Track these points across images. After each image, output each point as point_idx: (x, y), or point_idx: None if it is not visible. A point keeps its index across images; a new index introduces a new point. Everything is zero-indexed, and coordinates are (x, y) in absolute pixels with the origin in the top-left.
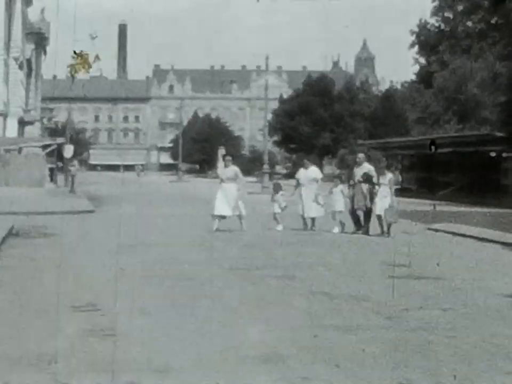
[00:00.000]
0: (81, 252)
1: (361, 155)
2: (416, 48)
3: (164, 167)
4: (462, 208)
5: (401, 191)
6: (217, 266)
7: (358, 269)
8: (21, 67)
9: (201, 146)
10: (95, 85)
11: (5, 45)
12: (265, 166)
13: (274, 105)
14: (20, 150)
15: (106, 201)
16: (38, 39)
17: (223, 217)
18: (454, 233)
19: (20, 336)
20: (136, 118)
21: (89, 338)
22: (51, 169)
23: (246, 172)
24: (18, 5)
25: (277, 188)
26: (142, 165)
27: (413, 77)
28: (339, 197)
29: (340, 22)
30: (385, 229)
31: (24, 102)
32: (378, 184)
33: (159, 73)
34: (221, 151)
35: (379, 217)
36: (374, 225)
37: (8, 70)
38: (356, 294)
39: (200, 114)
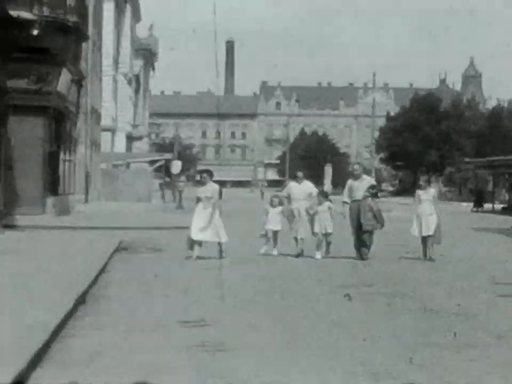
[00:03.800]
0: (197, 267)
1: (357, 166)
2: None
3: (271, 183)
4: None
5: (509, 210)
6: (324, 283)
7: (466, 286)
8: (129, 83)
9: (308, 163)
10: (202, 101)
11: (114, 61)
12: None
13: (381, 122)
14: (128, 165)
15: None
16: (147, 55)
17: (200, 243)
18: None
19: (128, 351)
20: (243, 134)
21: (199, 353)
22: (160, 185)
23: None
24: (126, 21)
25: (275, 202)
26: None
27: None
28: (327, 217)
29: (446, 39)
30: (431, 251)
31: (132, 118)
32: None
33: (266, 90)
34: (328, 168)
35: (425, 238)
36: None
37: (117, 86)
38: (464, 312)
39: (307, 131)
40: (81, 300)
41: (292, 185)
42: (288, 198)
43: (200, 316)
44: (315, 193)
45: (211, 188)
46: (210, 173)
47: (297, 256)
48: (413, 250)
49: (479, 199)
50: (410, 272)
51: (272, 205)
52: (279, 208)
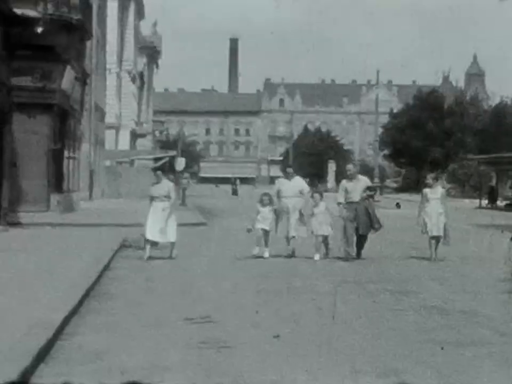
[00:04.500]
0: (193, 264)
1: (350, 166)
2: None
3: (274, 180)
4: None
5: None
6: (328, 280)
7: (471, 284)
8: (133, 80)
9: (312, 160)
10: (206, 98)
11: (117, 58)
12: (376, 180)
13: (385, 119)
14: (131, 163)
15: (218, 214)
16: (150, 52)
17: (155, 243)
18: None
19: (133, 347)
20: (247, 131)
21: (203, 350)
22: None
23: None
24: (130, 19)
25: (266, 200)
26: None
27: None
28: (325, 218)
29: (450, 37)
30: (436, 252)
31: (136, 115)
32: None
33: (270, 87)
34: (331, 165)
35: (433, 239)
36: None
37: (120, 83)
38: (468, 309)
39: (311, 128)
40: (85, 297)
41: (282, 182)
42: (278, 195)
43: (204, 313)
44: (306, 190)
45: (165, 186)
46: (164, 171)
47: (289, 256)
48: (417, 247)
49: (492, 194)
50: (414, 270)
51: (262, 204)
52: (270, 207)
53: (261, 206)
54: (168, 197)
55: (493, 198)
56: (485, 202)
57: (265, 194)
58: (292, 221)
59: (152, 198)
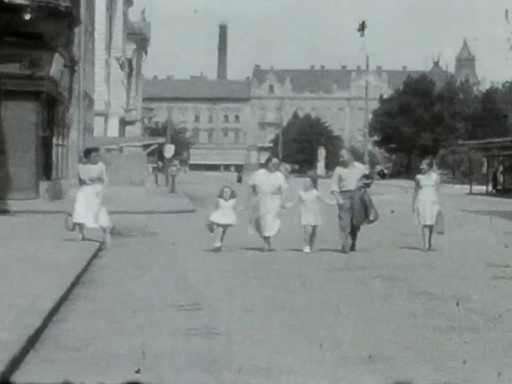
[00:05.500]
0: (182, 251)
1: (344, 151)
2: None
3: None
4: None
5: (503, 192)
6: (318, 267)
7: (460, 270)
8: (122, 67)
9: (301, 146)
10: (195, 85)
11: (106, 46)
12: (366, 166)
13: (374, 105)
14: (121, 150)
15: (207, 200)
16: (139, 39)
17: (82, 225)
18: None
19: (122, 335)
20: (236, 117)
21: (192, 337)
22: (153, 169)
23: None
24: (119, 6)
25: (227, 193)
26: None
27: None
28: (315, 207)
29: (440, 21)
30: (431, 241)
31: (125, 102)
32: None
33: (259, 74)
34: (321, 151)
35: (426, 227)
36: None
37: (109, 70)
38: (457, 295)
39: (300, 114)
40: (74, 285)
41: (260, 174)
42: (254, 188)
43: (193, 300)
44: (285, 187)
45: (98, 169)
46: (98, 152)
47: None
48: (408, 234)
49: (495, 180)
50: (404, 256)
51: (223, 197)
52: (232, 202)
53: (222, 200)
54: (100, 179)
55: (496, 184)
56: (488, 188)
57: (227, 186)
58: (267, 219)
59: (82, 181)
